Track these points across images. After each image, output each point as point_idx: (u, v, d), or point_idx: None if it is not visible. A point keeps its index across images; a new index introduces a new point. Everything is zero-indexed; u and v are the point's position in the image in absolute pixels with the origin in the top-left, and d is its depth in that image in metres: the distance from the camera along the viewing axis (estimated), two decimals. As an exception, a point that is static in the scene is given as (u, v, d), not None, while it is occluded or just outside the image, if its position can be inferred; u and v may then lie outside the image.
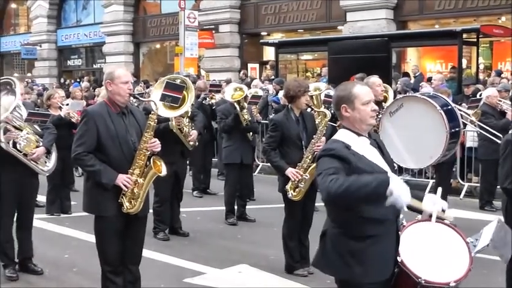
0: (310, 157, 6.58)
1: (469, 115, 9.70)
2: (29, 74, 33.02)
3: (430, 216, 3.67)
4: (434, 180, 10.37)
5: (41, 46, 31.70)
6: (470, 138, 11.14)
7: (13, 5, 35.41)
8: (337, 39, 18.06)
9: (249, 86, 12.60)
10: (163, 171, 5.22)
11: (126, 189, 5.06)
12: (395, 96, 8.65)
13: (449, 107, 6.86)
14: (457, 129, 6.77)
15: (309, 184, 6.56)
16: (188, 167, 10.54)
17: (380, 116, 6.71)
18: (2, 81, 6.41)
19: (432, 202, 3.61)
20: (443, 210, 3.64)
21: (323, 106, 8.21)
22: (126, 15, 27.27)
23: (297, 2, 21.32)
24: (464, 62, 16.35)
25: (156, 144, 5.17)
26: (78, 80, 27.39)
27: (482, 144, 10.28)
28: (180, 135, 8.02)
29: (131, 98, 5.38)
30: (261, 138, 12.53)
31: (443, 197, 3.77)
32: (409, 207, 3.57)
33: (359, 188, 3.30)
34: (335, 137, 3.72)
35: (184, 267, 7.06)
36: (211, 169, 12.10)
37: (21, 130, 6.36)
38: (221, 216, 9.31)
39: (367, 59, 14.82)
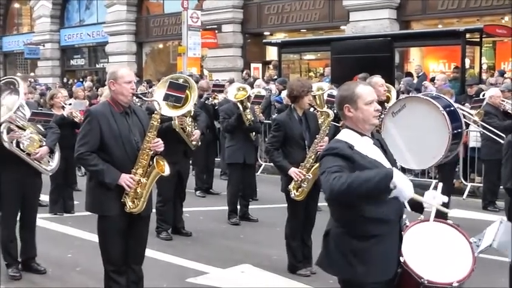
0: (313, 157, 6.58)
1: (472, 115, 9.69)
2: (32, 74, 33.03)
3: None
4: (437, 180, 10.36)
5: (44, 46, 31.70)
6: (473, 138, 11.14)
7: (16, 5, 35.41)
8: (340, 39, 18.04)
9: (251, 85, 12.60)
10: (167, 171, 5.23)
11: (129, 189, 5.07)
12: (398, 96, 8.65)
13: (452, 108, 6.85)
14: (459, 130, 6.76)
15: (311, 184, 6.56)
16: (191, 166, 10.53)
17: (382, 116, 6.71)
18: (5, 80, 6.43)
19: (432, 196, 3.62)
20: (443, 205, 3.65)
21: (326, 106, 8.21)
22: (129, 15, 27.27)
23: (300, 2, 21.29)
24: (467, 62, 16.33)
25: (159, 144, 5.17)
26: (81, 79, 27.41)
27: (485, 144, 10.28)
28: (183, 135, 8.02)
29: (134, 97, 5.37)
30: (263, 138, 12.54)
31: (447, 196, 3.76)
32: (410, 203, 3.59)
33: (362, 183, 3.29)
34: (338, 136, 3.72)
35: (187, 267, 7.07)
36: (214, 169, 12.10)
37: (25, 130, 6.37)
38: (224, 216, 9.31)
39: (370, 59, 14.79)
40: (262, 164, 13.76)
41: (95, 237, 5.43)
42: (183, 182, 8.45)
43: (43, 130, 6.64)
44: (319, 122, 6.98)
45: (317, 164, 6.35)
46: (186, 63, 21.36)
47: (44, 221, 8.77)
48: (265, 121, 11.66)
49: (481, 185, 10.88)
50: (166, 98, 6.84)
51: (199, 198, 11.17)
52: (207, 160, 11.63)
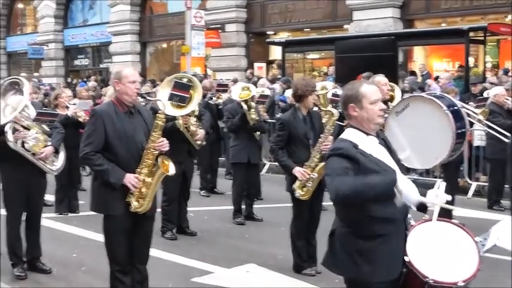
0: (317, 156, 6.58)
1: (476, 114, 9.66)
2: (36, 74, 33.05)
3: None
4: (441, 180, 10.34)
5: (47, 46, 31.74)
6: (478, 137, 11.12)
7: (20, 5, 35.45)
8: (344, 38, 18.03)
9: (255, 85, 12.60)
10: (172, 170, 5.23)
11: (134, 189, 5.08)
12: (402, 95, 8.63)
13: (456, 108, 6.83)
14: (463, 129, 6.74)
15: (316, 183, 6.56)
16: (195, 166, 10.54)
17: (386, 115, 6.69)
18: (10, 80, 6.44)
19: (435, 194, 3.63)
20: (447, 204, 3.66)
21: (330, 105, 8.20)
22: (132, 15, 27.28)
23: (303, 1, 21.26)
24: (471, 60, 16.30)
25: (164, 144, 5.18)
26: (84, 79, 27.43)
27: (490, 143, 10.26)
28: (187, 134, 8.02)
29: (139, 97, 5.38)
30: (268, 137, 12.54)
31: (451, 195, 3.76)
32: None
33: (367, 189, 3.35)
34: (343, 136, 3.72)
35: (192, 267, 7.07)
36: (219, 168, 12.11)
37: (30, 130, 6.38)
38: (229, 215, 9.31)
39: (373, 58, 14.79)
40: (266, 164, 13.76)
41: (100, 237, 5.44)
42: (187, 181, 8.46)
43: (48, 130, 6.64)
44: (323, 121, 6.98)
45: (322, 164, 6.35)
46: (189, 63, 21.37)
47: (49, 220, 8.77)
48: (269, 120, 11.65)
49: (486, 184, 10.86)
50: (171, 97, 6.85)
51: (203, 197, 11.18)
52: (212, 160, 11.64)
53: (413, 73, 16.89)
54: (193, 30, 21.52)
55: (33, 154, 6.37)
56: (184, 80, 7.24)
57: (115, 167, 5.06)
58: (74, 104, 10.15)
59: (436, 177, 11.37)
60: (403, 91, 10.83)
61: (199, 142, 8.26)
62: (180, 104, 7.00)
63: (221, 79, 19.02)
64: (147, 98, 6.92)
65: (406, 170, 10.52)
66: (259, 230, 8.85)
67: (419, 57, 19.57)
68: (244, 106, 9.14)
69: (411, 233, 3.69)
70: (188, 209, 8.64)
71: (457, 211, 3.82)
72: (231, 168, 10.29)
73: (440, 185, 3.72)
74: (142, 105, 6.63)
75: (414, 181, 3.39)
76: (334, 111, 6.90)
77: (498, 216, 8.14)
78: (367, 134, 3.68)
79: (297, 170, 6.55)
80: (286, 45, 19.46)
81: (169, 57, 27.99)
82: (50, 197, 9.33)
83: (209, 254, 7.55)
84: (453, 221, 3.83)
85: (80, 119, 9.26)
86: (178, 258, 7.41)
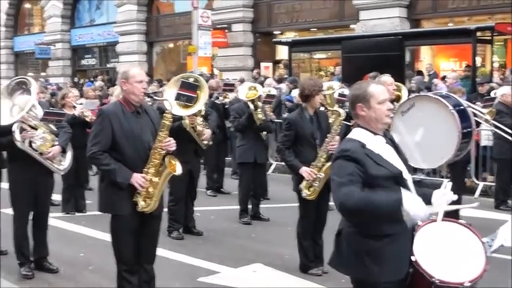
0: (324, 156, 6.58)
1: (483, 114, 9.63)
2: (43, 74, 33.13)
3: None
4: (447, 180, 10.32)
5: (55, 46, 31.81)
6: (485, 137, 11.09)
7: (27, 5, 35.54)
8: (351, 38, 18.00)
9: (261, 84, 12.60)
10: (179, 170, 5.23)
11: (141, 189, 5.09)
12: (409, 95, 8.62)
13: (462, 107, 6.81)
14: (469, 129, 6.72)
15: (323, 183, 6.55)
16: (202, 166, 10.55)
17: (392, 115, 6.68)
18: (17, 80, 6.46)
19: (442, 194, 3.63)
20: (453, 203, 3.67)
21: (336, 105, 8.20)
22: (139, 15, 27.32)
23: (310, 1, 21.24)
24: (478, 60, 16.26)
25: (171, 143, 5.18)
26: (91, 79, 27.48)
27: (497, 143, 10.23)
28: (194, 134, 8.03)
29: (145, 97, 5.39)
30: (274, 137, 12.53)
31: (457, 195, 3.75)
32: None
33: (373, 209, 3.42)
34: (350, 135, 3.72)
35: (198, 266, 7.08)
36: (225, 168, 12.12)
37: (37, 129, 6.40)
38: (235, 215, 9.32)
39: (380, 58, 14.75)
40: (273, 163, 13.76)
41: (107, 237, 5.45)
42: (194, 181, 8.47)
43: (55, 129, 6.66)
44: (330, 121, 6.97)
45: (328, 163, 6.35)
46: (196, 63, 21.39)
47: (56, 220, 8.80)
48: (275, 120, 11.65)
49: (493, 184, 10.83)
50: (178, 97, 6.86)
51: (210, 197, 11.19)
52: (218, 159, 11.65)
53: (420, 73, 16.86)
54: (200, 30, 21.55)
55: (41, 154, 6.39)
56: (191, 80, 7.25)
57: (122, 167, 5.07)
58: (81, 104, 10.18)
59: (442, 177, 11.36)
60: (410, 91, 10.81)
61: (205, 142, 8.27)
62: (187, 103, 7.01)
63: (228, 79, 19.01)
64: (154, 97, 6.91)
65: (413, 170, 10.59)
66: (266, 230, 8.85)
67: (426, 57, 19.53)
68: (251, 106, 9.14)
69: (418, 233, 3.69)
70: (195, 208, 8.65)
71: (464, 211, 3.81)
72: (238, 168, 10.30)
73: (447, 184, 3.71)
74: (149, 104, 6.66)
75: (421, 181, 3.39)
76: (341, 111, 6.89)
77: (505, 216, 8.11)
78: (375, 133, 3.68)
79: (304, 170, 6.55)
80: (293, 45, 19.45)
81: (176, 57, 28.01)
82: (56, 197, 9.34)
83: (216, 253, 7.55)
84: (460, 221, 3.83)
85: (87, 119, 9.29)
86: (184, 257, 7.42)
